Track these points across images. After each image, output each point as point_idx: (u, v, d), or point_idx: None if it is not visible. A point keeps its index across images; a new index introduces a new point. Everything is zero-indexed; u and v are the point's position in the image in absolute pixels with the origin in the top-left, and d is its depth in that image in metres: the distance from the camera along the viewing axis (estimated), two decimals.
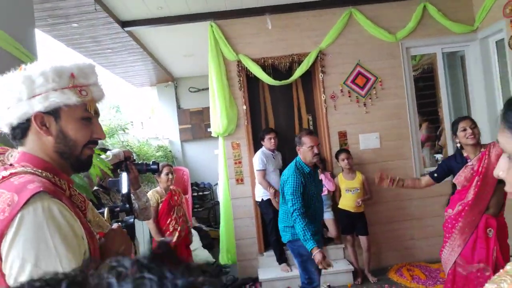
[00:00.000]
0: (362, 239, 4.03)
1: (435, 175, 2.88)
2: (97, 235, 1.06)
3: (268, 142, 4.14)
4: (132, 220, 1.62)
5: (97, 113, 1.06)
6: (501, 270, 0.66)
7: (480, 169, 2.58)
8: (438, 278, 3.74)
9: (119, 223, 1.26)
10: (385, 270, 4.15)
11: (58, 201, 0.91)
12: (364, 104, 4.31)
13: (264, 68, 4.26)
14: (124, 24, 3.93)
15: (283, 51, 4.29)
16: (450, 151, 4.49)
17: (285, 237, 2.96)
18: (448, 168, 2.81)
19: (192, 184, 6.49)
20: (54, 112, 0.96)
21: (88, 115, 1.02)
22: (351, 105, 4.32)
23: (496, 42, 4.23)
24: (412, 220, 4.30)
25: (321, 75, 4.29)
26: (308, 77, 4.45)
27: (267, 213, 4.13)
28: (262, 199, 4.12)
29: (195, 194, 6.58)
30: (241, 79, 4.27)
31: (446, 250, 2.72)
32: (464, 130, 2.61)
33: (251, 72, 4.26)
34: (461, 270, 2.63)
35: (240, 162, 4.30)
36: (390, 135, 4.31)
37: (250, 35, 4.28)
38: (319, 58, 4.27)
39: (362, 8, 4.27)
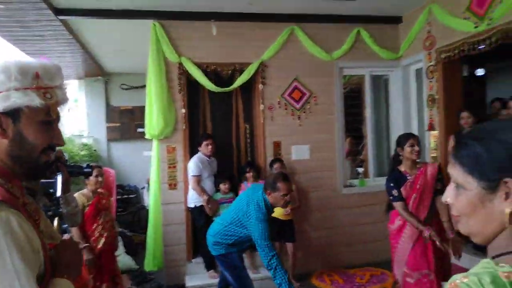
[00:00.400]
0: (289, 246, 4.20)
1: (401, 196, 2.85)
2: (48, 247, 0.99)
3: (205, 148, 4.12)
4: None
5: (58, 118, 0.99)
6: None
7: (417, 186, 2.80)
8: (354, 282, 4.05)
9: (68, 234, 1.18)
10: (308, 276, 4.37)
11: (17, 212, 0.84)
12: (299, 117, 4.52)
13: (206, 73, 4.24)
14: (58, 11, 3.62)
15: (226, 59, 4.33)
16: (371, 165, 4.91)
17: (217, 251, 2.93)
18: (399, 184, 2.85)
19: (116, 186, 6.17)
20: (13, 113, 0.88)
21: (49, 119, 0.95)
22: (286, 117, 4.49)
23: (416, 70, 4.74)
24: (335, 228, 4.58)
25: (261, 86, 4.40)
26: (248, 87, 4.53)
27: (199, 219, 4.09)
28: (195, 206, 4.08)
29: (119, 197, 6.25)
30: (181, 82, 4.20)
31: (396, 263, 2.93)
32: (412, 146, 2.79)
33: (193, 76, 4.22)
34: (409, 279, 2.80)
35: (174, 167, 4.21)
36: (320, 148, 4.57)
37: (194, 38, 4.24)
38: (260, 69, 4.39)
39: (303, 26, 4.49)
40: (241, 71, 4.35)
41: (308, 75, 4.55)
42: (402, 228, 2.87)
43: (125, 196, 6.36)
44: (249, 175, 4.19)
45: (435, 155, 4.25)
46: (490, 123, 0.79)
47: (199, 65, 4.23)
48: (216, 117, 4.60)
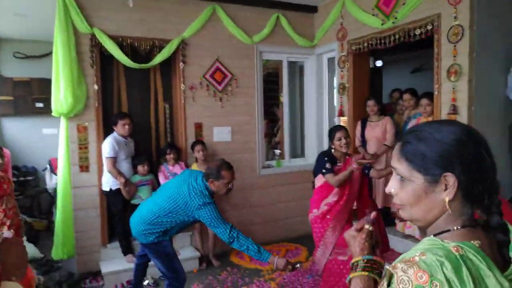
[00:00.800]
0: None
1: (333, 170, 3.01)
2: None
3: (122, 128, 3.88)
4: None
5: None
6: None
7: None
8: None
9: (12, 231, 1.05)
10: (227, 254, 4.50)
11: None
12: (220, 99, 4.52)
13: (121, 48, 3.95)
14: None
15: (144, 33, 4.08)
16: (286, 147, 5.18)
17: (147, 239, 2.78)
18: (332, 161, 3.02)
19: (11, 168, 5.46)
20: None
21: None
22: (208, 99, 4.46)
23: (328, 58, 5.07)
24: (253, 208, 4.77)
25: (181, 65, 4.27)
26: (168, 64, 4.36)
27: (115, 203, 3.89)
28: (111, 189, 3.85)
29: (15, 179, 5.56)
30: (94, 55, 3.85)
31: (320, 250, 2.98)
32: (340, 139, 2.97)
33: (106, 50, 3.90)
34: (342, 257, 2.92)
35: (86, 148, 3.90)
36: (241, 130, 4.66)
37: (108, 9, 3.90)
38: (181, 47, 4.24)
39: (225, 6, 4.44)
40: (160, 48, 4.16)
41: (230, 57, 4.55)
42: (326, 214, 2.99)
43: (22, 179, 5.67)
44: (169, 157, 4.10)
45: None
46: (427, 124, 0.90)
47: (114, 39, 3.92)
48: (133, 95, 4.35)
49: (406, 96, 4.27)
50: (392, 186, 0.91)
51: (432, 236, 0.85)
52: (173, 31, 4.22)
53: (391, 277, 0.78)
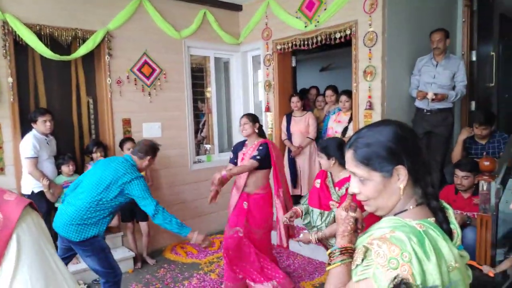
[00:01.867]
0: (142, 225, 4.15)
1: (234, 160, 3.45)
2: None
3: (42, 125, 3.54)
4: None
5: None
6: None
7: (242, 155, 3.36)
8: (207, 250, 4.37)
9: None
10: (161, 251, 4.45)
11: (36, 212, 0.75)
12: (149, 94, 4.41)
13: (40, 37, 3.60)
14: None
15: (66, 23, 3.77)
16: (216, 142, 5.28)
17: (81, 236, 2.65)
18: (235, 151, 3.51)
19: None
20: None
21: None
22: (136, 93, 4.31)
23: (253, 57, 5.29)
24: (184, 203, 4.78)
25: (107, 58, 4.06)
26: (91, 57, 4.10)
27: (39, 207, 3.44)
28: (33, 192, 3.51)
29: None
30: (7, 44, 3.44)
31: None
32: (240, 125, 3.39)
33: (22, 39, 3.52)
34: (226, 232, 3.38)
35: (1, 148, 3.48)
36: (171, 125, 4.61)
37: None
38: (106, 39, 4.02)
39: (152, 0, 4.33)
40: (83, 39, 3.89)
41: (158, 51, 4.46)
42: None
43: None
44: (96, 155, 3.87)
45: (270, 133, 4.93)
46: (367, 129, 1.04)
47: (30, 27, 3.55)
48: (52, 89, 3.99)
49: (328, 92, 4.71)
50: (355, 187, 1.05)
51: (392, 216, 1.00)
52: (97, 22, 3.98)
53: (366, 252, 0.92)
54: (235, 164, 3.43)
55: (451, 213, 1.03)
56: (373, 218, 1.11)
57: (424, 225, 0.91)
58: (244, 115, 3.46)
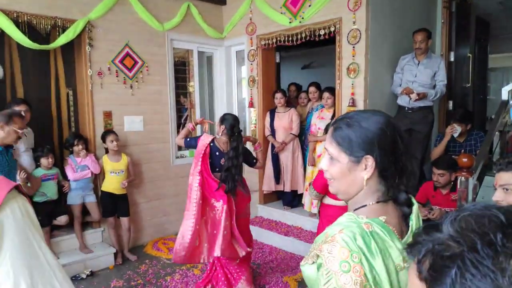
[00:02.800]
0: (124, 220, 4.08)
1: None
2: None
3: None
4: None
5: None
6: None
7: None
8: None
9: None
10: (142, 247, 4.38)
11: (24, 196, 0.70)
12: (131, 86, 4.33)
13: (17, 25, 3.47)
14: None
15: (44, 11, 3.64)
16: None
17: None
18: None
19: None
20: None
21: None
22: (118, 86, 4.22)
23: (236, 51, 5.26)
24: (166, 198, 4.71)
25: (88, 48, 3.95)
26: (70, 47, 3.97)
27: None
28: None
29: None
30: None
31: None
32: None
33: None
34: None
35: None
36: (153, 119, 4.53)
37: None
38: (87, 29, 3.91)
39: None
40: (63, 28, 3.77)
41: (140, 43, 4.37)
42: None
43: None
44: (77, 148, 3.78)
45: (254, 128, 4.93)
46: (358, 113, 1.03)
47: (7, 13, 3.41)
48: (29, 80, 3.85)
49: (312, 88, 4.74)
50: (324, 164, 1.07)
51: (351, 211, 1.00)
52: (78, 11, 3.87)
53: (318, 257, 0.91)
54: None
55: (414, 209, 1.02)
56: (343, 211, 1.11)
57: (372, 225, 0.90)
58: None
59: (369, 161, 0.96)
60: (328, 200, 2.80)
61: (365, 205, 0.98)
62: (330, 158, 1.03)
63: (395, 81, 4.05)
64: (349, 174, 0.99)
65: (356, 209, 0.99)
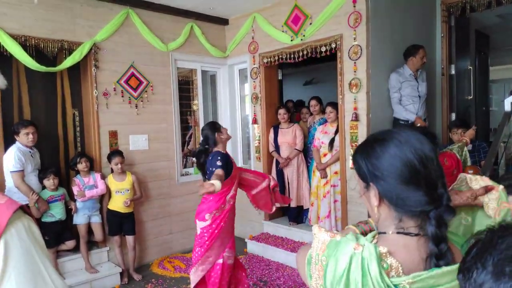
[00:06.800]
0: (129, 239, 4.08)
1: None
2: None
3: (25, 137, 3.46)
4: None
5: None
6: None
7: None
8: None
9: None
10: (148, 266, 4.36)
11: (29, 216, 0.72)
12: (136, 106, 4.39)
13: (25, 49, 3.56)
14: None
15: (51, 34, 3.74)
16: None
17: None
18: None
19: None
20: None
21: None
22: (123, 105, 4.28)
23: (239, 70, 5.34)
24: (171, 216, 4.71)
25: (94, 70, 4.03)
26: (76, 68, 4.06)
27: None
28: None
29: None
30: None
31: (215, 248, 2.99)
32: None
33: (6, 50, 3.46)
34: (230, 261, 3.04)
35: None
36: (158, 138, 4.58)
37: (8, 4, 3.48)
38: (93, 51, 4.00)
39: (139, 12, 4.35)
40: (70, 51, 3.86)
41: (144, 63, 4.46)
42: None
43: None
44: (81, 166, 3.80)
45: (257, 144, 4.96)
46: (362, 147, 1.01)
47: (15, 38, 3.51)
48: (36, 100, 3.92)
49: (313, 102, 4.78)
50: (358, 182, 1.07)
51: (371, 233, 0.96)
52: (84, 34, 3.96)
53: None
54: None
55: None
56: None
57: (363, 249, 0.84)
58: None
59: (372, 190, 0.94)
60: None
61: (384, 233, 0.94)
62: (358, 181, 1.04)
63: (395, 97, 4.01)
64: (365, 197, 0.99)
65: (380, 233, 0.96)
